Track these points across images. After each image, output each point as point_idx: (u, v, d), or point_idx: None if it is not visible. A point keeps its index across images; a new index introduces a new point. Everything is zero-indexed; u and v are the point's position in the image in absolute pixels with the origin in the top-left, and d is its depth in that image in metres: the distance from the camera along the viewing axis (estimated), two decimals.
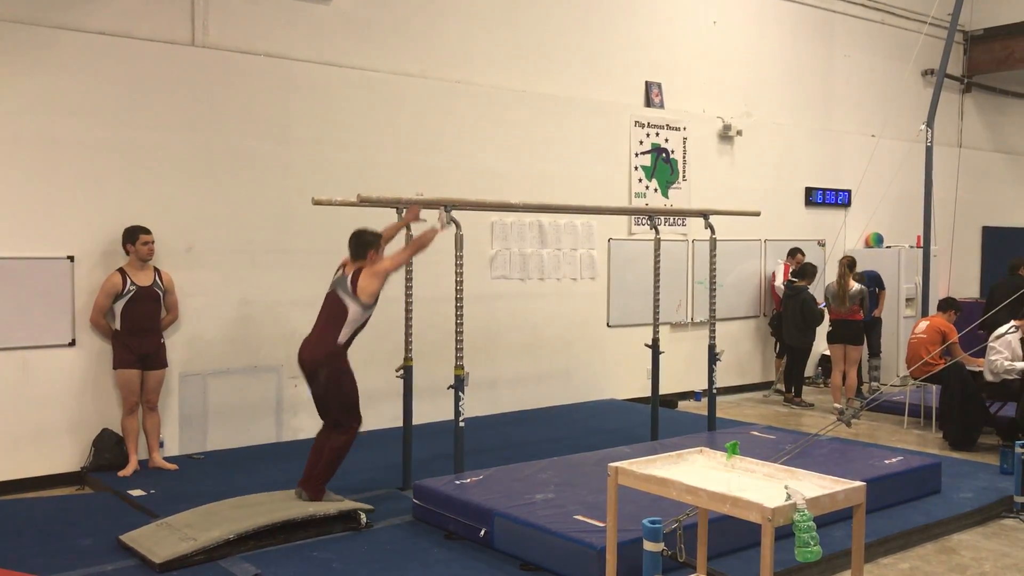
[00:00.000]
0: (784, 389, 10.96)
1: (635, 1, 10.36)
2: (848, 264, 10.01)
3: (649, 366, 8.04)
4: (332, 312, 5.85)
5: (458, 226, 6.10)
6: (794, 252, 11.09)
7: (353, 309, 5.78)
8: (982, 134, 15.22)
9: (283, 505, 5.63)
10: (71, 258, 6.93)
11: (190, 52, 7.45)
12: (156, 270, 7.05)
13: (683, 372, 10.50)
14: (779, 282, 11.35)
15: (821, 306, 10.43)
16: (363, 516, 5.71)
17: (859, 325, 9.94)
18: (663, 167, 10.62)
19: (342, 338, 5.79)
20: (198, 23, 7.50)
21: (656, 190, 10.55)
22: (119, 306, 6.85)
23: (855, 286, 9.86)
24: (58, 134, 6.87)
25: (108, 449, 6.98)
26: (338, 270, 6.03)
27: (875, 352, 11.07)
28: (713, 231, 7.77)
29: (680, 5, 10.80)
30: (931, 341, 8.72)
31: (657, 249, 7.95)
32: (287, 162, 7.91)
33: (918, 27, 12.52)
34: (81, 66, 6.95)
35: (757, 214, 8.91)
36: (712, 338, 7.88)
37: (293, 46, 7.97)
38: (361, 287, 5.76)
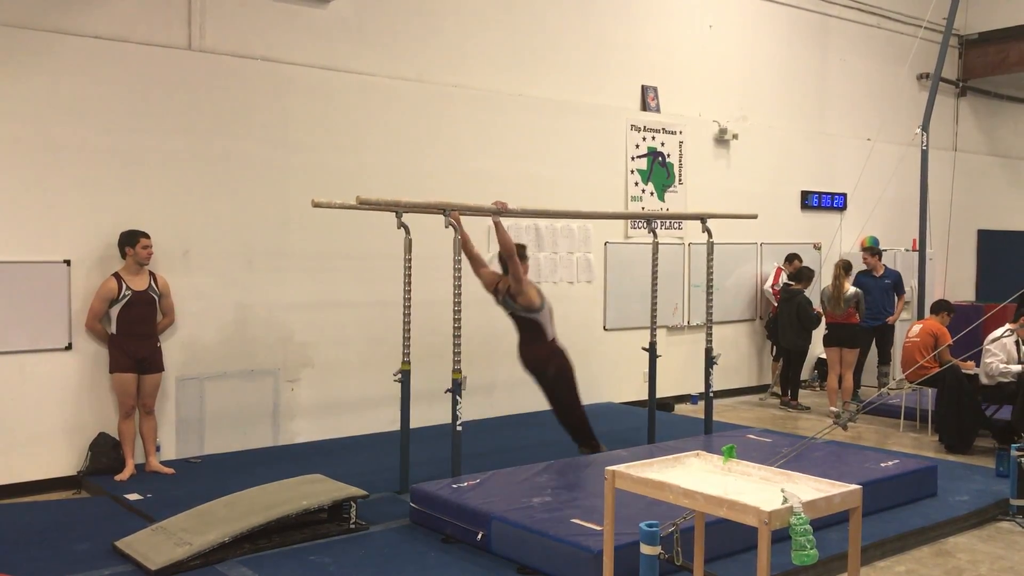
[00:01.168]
0: (780, 392, 10.97)
1: (631, 5, 10.39)
2: (844, 267, 10.02)
3: (646, 369, 8.05)
4: (528, 326, 6.96)
5: (455, 229, 6.12)
6: (791, 258, 11.08)
7: (536, 316, 6.90)
8: (977, 138, 15.26)
9: (277, 500, 5.61)
10: (68, 262, 6.92)
11: (187, 56, 7.45)
12: (151, 274, 7.04)
13: (680, 375, 10.51)
14: (767, 285, 11.37)
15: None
16: (353, 510, 5.70)
17: (855, 328, 9.94)
18: (659, 171, 10.63)
19: (550, 334, 7.00)
20: (195, 27, 7.50)
21: (652, 194, 10.56)
22: (115, 311, 6.85)
23: (850, 289, 9.88)
24: (55, 138, 6.86)
25: (105, 453, 6.97)
26: (494, 286, 6.97)
27: (885, 359, 10.95)
28: (710, 235, 7.78)
29: (676, 9, 10.82)
30: (924, 344, 8.75)
31: (654, 252, 7.96)
32: (284, 165, 7.91)
33: (913, 31, 12.57)
34: (78, 70, 6.94)
35: (754, 217, 8.93)
36: (708, 341, 7.89)
37: (290, 50, 7.98)
38: (524, 302, 6.83)
